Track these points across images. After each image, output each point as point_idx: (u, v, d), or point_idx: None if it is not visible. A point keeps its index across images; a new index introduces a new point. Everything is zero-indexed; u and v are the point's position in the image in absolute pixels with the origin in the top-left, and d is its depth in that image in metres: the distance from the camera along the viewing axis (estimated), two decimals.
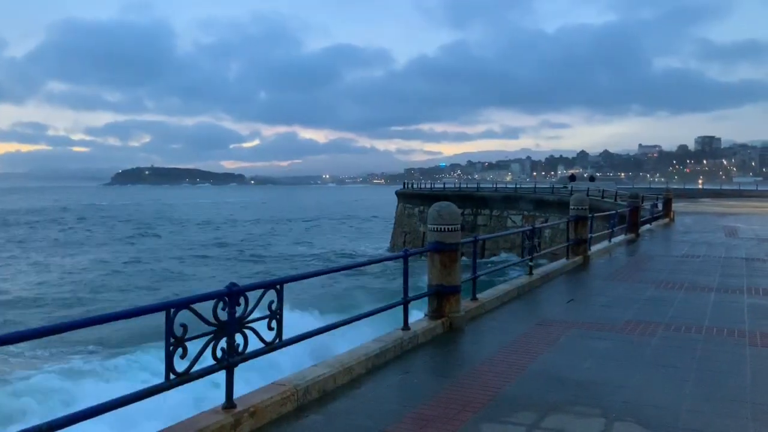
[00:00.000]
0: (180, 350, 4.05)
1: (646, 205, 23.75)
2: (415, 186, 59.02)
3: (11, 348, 18.44)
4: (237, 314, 4.44)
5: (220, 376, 4.50)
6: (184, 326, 4.06)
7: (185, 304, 4.08)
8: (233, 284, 4.43)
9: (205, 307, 4.31)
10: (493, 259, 35.81)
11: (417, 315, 7.71)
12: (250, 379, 6.51)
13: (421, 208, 43.60)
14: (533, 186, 50.12)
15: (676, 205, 30.10)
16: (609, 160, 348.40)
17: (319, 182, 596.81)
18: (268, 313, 4.83)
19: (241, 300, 4.48)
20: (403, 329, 6.90)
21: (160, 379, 4.10)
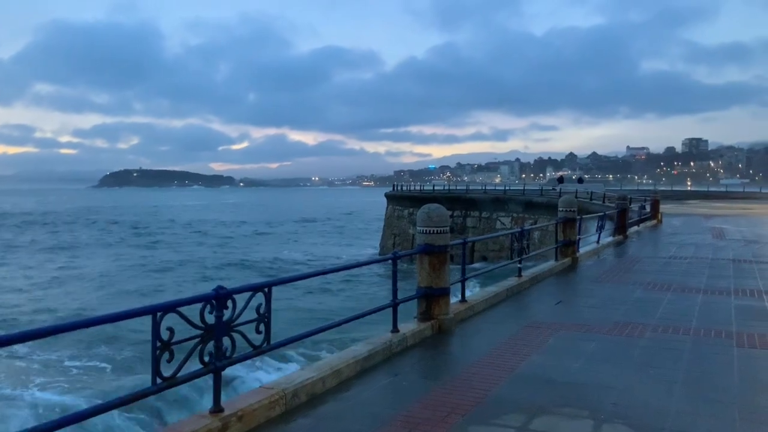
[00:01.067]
0: (167, 354, 4.02)
1: (634, 206, 23.88)
2: (404, 188, 59.03)
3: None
4: (225, 318, 4.40)
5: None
6: (170, 330, 4.02)
7: (172, 307, 4.04)
8: (221, 287, 4.39)
9: (193, 311, 4.27)
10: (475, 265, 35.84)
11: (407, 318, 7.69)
12: None
13: (411, 210, 43.62)
14: (522, 188, 50.27)
15: (664, 207, 30.29)
16: (597, 162, 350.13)
17: (308, 184, 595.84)
18: (256, 316, 4.80)
19: (229, 303, 4.44)
20: (392, 332, 6.88)
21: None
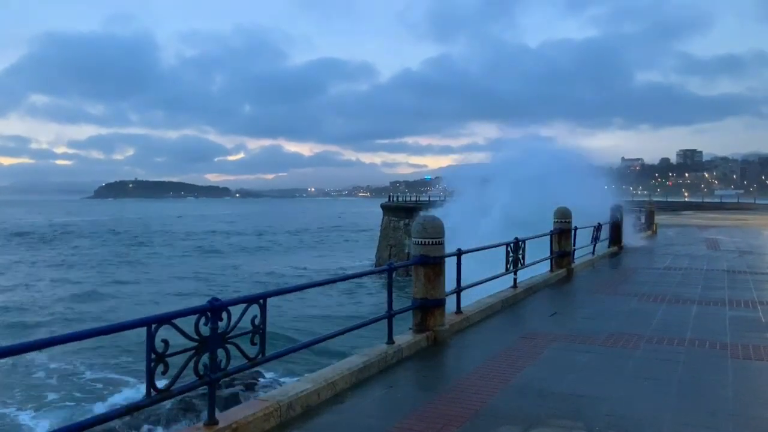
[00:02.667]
0: (161, 366, 4.01)
1: (629, 217, 23.92)
2: (400, 199, 59.08)
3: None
4: (219, 329, 4.40)
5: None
6: (165, 342, 4.02)
7: (167, 319, 4.04)
8: (215, 299, 4.39)
9: (188, 322, 4.27)
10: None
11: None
12: None
13: (406, 221, 43.66)
14: None
15: (659, 218, 30.39)
16: None
17: (304, 195, 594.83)
18: (251, 328, 4.79)
19: (224, 315, 4.44)
20: (387, 343, 6.87)
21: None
